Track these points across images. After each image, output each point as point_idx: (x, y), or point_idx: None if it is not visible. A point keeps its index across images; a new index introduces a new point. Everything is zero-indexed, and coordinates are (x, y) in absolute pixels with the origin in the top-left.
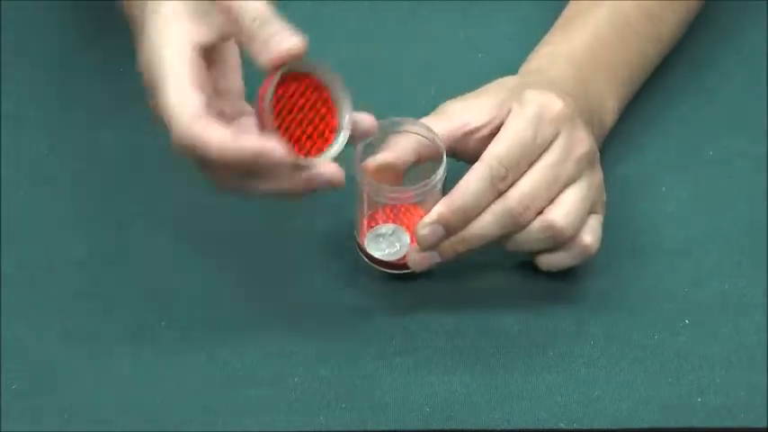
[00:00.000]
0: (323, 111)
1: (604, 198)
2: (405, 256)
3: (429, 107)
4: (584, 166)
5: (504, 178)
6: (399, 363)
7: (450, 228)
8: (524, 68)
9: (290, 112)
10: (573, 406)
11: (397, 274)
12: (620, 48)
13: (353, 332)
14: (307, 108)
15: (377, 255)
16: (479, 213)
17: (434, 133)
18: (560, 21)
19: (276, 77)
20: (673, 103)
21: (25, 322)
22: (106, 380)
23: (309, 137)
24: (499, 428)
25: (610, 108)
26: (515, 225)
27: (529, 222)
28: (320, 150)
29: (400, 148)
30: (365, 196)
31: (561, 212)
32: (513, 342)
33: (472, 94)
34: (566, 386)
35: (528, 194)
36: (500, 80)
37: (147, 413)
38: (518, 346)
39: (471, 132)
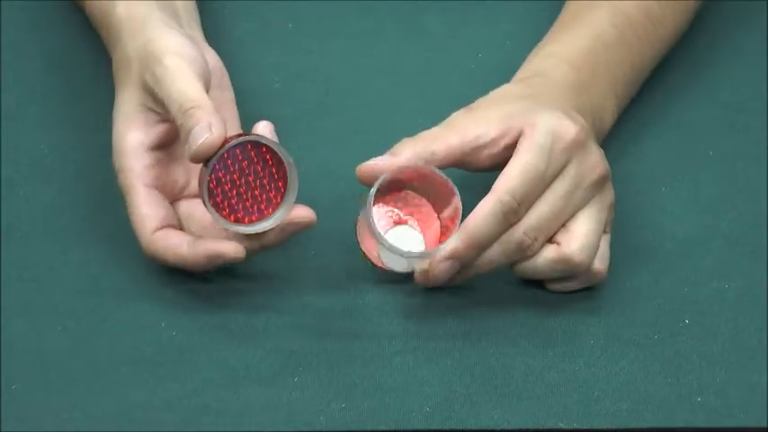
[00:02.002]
0: (269, 184)
1: (613, 215)
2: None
3: (429, 107)
4: (596, 190)
5: (516, 212)
6: (399, 363)
7: (464, 262)
8: (524, 70)
9: (240, 171)
10: (573, 406)
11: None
12: (621, 49)
13: (353, 332)
14: (258, 173)
15: (397, 269)
16: (491, 245)
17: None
18: (560, 21)
19: (220, 152)
20: (672, 102)
21: (25, 322)
22: (106, 380)
23: (250, 201)
24: (499, 428)
25: (609, 108)
26: (523, 255)
27: (537, 251)
28: (252, 220)
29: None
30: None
31: (576, 246)
32: (513, 342)
33: (478, 104)
34: (566, 386)
35: (536, 227)
36: (503, 88)
37: (148, 413)
38: (518, 346)
39: (483, 147)
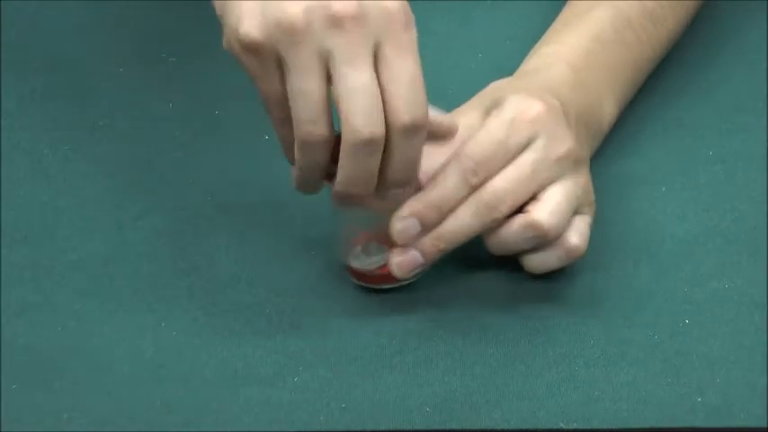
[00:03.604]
0: None
1: (593, 199)
2: (386, 267)
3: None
4: (566, 166)
5: (475, 172)
6: (399, 363)
7: (426, 221)
8: (522, 69)
9: None
10: (573, 406)
11: (381, 288)
12: (620, 49)
13: (353, 332)
14: None
15: (355, 265)
16: (454, 207)
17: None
18: (559, 20)
19: None
20: (672, 102)
21: (25, 322)
22: (106, 380)
23: None
24: (499, 428)
25: (608, 109)
26: (492, 218)
27: (505, 216)
28: None
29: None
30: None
31: (545, 210)
32: (513, 342)
33: (463, 106)
34: (566, 386)
35: (502, 188)
36: (493, 84)
37: (148, 413)
38: (518, 346)
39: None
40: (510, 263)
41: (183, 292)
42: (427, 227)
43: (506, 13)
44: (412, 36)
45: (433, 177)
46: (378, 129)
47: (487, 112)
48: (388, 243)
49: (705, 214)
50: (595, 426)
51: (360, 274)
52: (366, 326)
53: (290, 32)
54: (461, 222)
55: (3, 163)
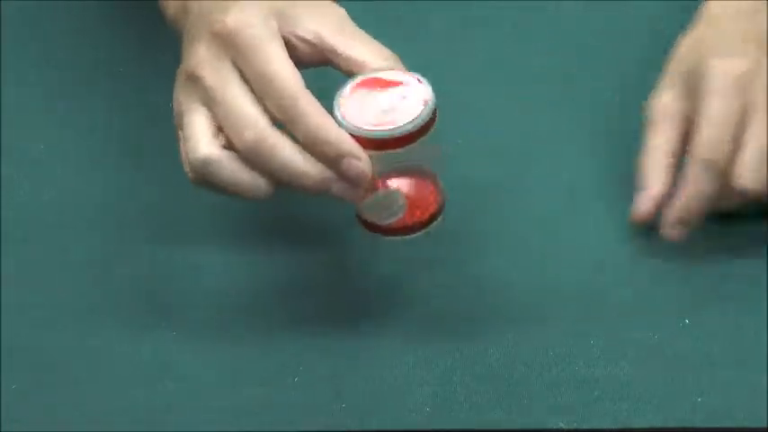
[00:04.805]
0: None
1: None
2: (404, 216)
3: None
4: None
5: (716, 163)
6: (399, 363)
7: (691, 222)
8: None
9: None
10: (573, 406)
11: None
12: None
13: (353, 332)
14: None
15: (370, 217)
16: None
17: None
18: None
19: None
20: None
21: (25, 322)
22: (106, 380)
23: None
24: (499, 428)
25: None
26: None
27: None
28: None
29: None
30: None
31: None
32: (512, 342)
33: (661, 83)
34: (566, 386)
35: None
36: (684, 43)
37: (147, 413)
38: (518, 346)
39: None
40: (509, 263)
41: (183, 292)
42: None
43: (506, 13)
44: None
45: (684, 187)
46: None
47: (688, 85)
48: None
49: (705, 214)
50: (595, 426)
51: (373, 226)
52: (366, 326)
53: None
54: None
55: (3, 163)
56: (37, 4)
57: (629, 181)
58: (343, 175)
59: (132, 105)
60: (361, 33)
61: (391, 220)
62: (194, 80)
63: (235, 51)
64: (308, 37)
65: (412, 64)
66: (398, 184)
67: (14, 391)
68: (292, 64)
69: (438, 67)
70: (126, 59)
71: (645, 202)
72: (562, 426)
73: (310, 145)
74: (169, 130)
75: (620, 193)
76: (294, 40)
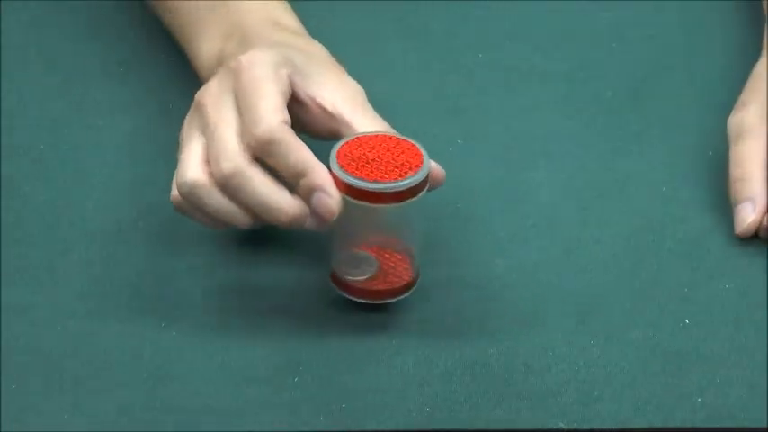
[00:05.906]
0: (400, 158)
1: None
2: (371, 281)
3: (429, 107)
4: None
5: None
6: (399, 363)
7: None
8: None
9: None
10: (573, 406)
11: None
12: None
13: (353, 332)
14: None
15: (342, 275)
16: None
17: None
18: None
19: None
20: (672, 102)
21: (25, 322)
22: (106, 380)
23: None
24: (499, 428)
25: None
26: None
27: None
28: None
29: None
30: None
31: None
32: (513, 342)
33: (743, 96)
34: (566, 386)
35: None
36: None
37: (148, 413)
38: (518, 346)
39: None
40: (508, 262)
41: (183, 292)
42: None
43: (506, 13)
44: None
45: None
46: None
47: None
48: (380, 256)
49: (705, 214)
50: (595, 426)
51: (343, 284)
52: (366, 326)
53: None
54: None
55: (3, 163)
56: (37, 4)
57: (629, 181)
58: (312, 209)
59: (132, 105)
60: (374, 112)
61: (360, 279)
62: (198, 108)
63: (238, 85)
64: (326, 106)
65: (412, 64)
66: (376, 251)
67: (14, 391)
68: (285, 106)
69: (437, 67)
70: (126, 60)
71: (752, 214)
72: (562, 426)
73: (290, 176)
74: (169, 130)
75: (620, 193)
76: (310, 102)
